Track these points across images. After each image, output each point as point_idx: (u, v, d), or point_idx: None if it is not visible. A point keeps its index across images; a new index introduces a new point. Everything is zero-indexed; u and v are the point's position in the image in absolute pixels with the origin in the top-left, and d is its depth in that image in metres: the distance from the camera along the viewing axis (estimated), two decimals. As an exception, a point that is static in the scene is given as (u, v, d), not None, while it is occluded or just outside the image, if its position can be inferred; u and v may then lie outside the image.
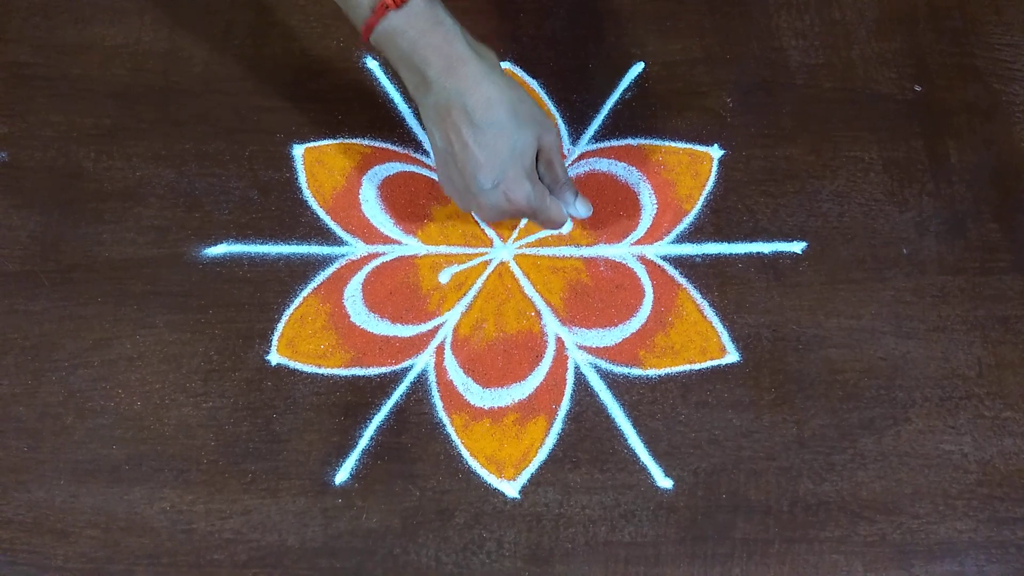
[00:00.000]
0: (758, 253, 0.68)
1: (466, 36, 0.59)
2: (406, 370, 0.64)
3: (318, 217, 0.69)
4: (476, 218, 0.67)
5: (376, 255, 0.68)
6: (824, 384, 0.64)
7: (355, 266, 0.67)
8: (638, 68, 0.74)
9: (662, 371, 0.64)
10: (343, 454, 0.62)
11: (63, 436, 0.62)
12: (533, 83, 0.74)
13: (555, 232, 0.67)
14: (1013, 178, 0.70)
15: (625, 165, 0.71)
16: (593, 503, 0.60)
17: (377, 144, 0.71)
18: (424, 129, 0.61)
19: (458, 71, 0.57)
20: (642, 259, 0.68)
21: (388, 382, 0.64)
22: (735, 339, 0.65)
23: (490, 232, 0.69)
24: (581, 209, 0.64)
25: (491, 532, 0.60)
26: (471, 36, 0.59)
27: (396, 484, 0.61)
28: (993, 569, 0.59)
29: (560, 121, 0.72)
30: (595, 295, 0.66)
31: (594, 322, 0.65)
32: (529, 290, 0.67)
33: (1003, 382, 0.64)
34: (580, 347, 0.65)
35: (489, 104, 0.57)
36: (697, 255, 0.68)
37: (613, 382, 0.64)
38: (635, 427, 0.62)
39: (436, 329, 0.66)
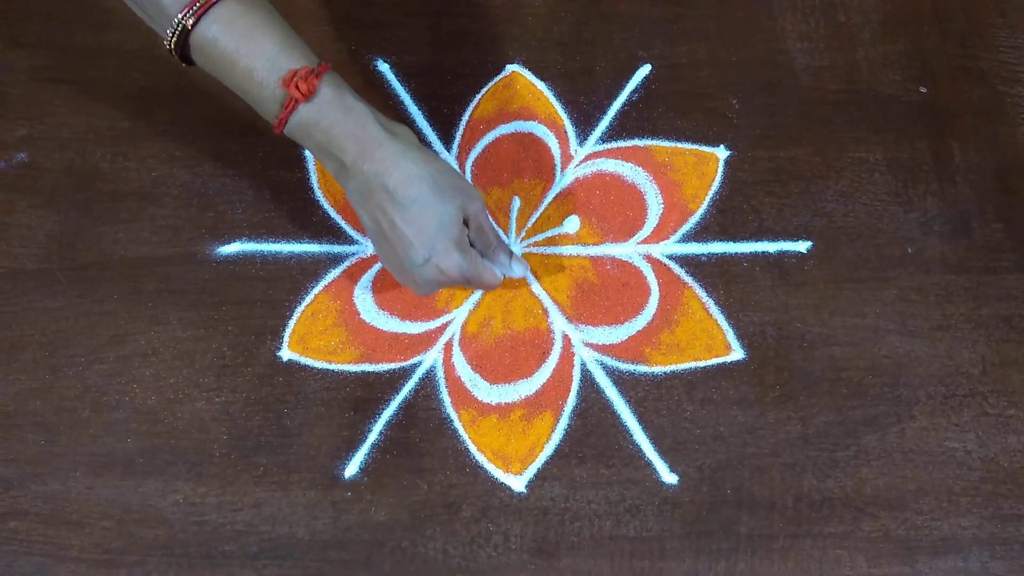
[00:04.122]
0: (763, 252, 0.68)
1: (378, 117, 0.58)
2: (415, 366, 0.65)
3: (329, 216, 0.70)
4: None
5: (386, 254, 0.69)
6: (828, 382, 0.64)
7: (365, 264, 0.69)
8: (645, 70, 0.75)
9: (668, 368, 0.65)
10: (352, 448, 0.63)
11: (79, 430, 0.64)
12: (541, 85, 0.75)
13: (563, 232, 0.69)
14: (1017, 179, 0.71)
15: (632, 165, 0.71)
16: (599, 498, 0.61)
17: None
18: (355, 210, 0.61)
19: (375, 154, 0.57)
20: (648, 258, 0.68)
21: (397, 378, 0.65)
22: (740, 337, 0.66)
23: (498, 229, 0.69)
24: (517, 270, 0.65)
25: (498, 526, 0.60)
26: (383, 115, 0.59)
27: (404, 478, 0.62)
28: (997, 566, 0.59)
29: (568, 123, 0.73)
30: (601, 293, 0.67)
31: (600, 320, 0.66)
32: (536, 288, 0.68)
33: (1007, 380, 0.64)
34: (586, 344, 0.66)
35: (409, 181, 0.57)
36: (703, 254, 0.68)
37: (619, 379, 0.64)
38: (640, 423, 0.63)
39: (444, 326, 0.67)
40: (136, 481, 0.62)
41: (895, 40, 0.76)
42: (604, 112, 0.74)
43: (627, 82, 0.75)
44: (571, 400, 0.64)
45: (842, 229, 0.69)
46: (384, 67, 0.76)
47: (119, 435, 0.63)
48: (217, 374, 0.65)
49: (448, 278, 0.60)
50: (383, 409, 0.64)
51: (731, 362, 0.65)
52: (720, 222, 0.69)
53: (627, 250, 0.69)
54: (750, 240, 0.69)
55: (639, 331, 0.66)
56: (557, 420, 0.63)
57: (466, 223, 0.61)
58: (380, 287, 0.68)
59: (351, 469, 0.62)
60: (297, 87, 0.56)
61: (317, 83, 0.56)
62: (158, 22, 0.58)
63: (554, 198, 0.71)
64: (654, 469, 0.62)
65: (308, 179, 0.72)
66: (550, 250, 0.69)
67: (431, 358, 0.65)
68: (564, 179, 0.71)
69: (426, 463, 0.62)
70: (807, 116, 0.73)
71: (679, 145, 0.72)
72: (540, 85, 0.75)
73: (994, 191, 0.70)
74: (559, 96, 0.75)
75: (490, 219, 0.63)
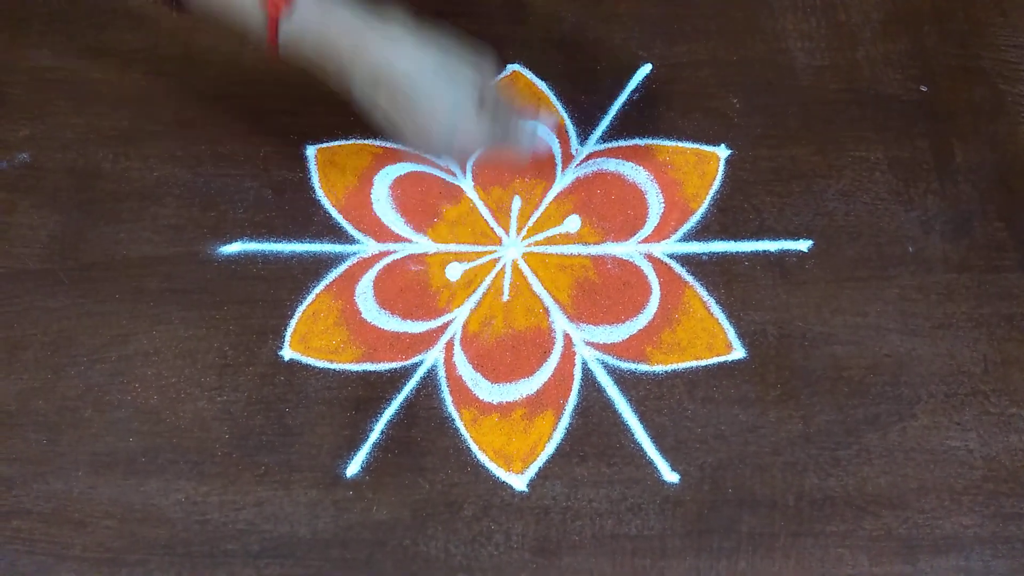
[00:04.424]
0: (764, 251, 0.68)
1: (364, 10, 0.57)
2: (416, 365, 0.65)
3: (331, 216, 0.70)
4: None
5: (387, 253, 0.69)
6: (830, 380, 0.64)
7: (367, 264, 0.69)
8: (645, 70, 0.75)
9: (669, 367, 0.65)
10: (354, 447, 0.63)
11: (81, 429, 0.64)
12: (542, 85, 0.75)
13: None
14: (1018, 177, 0.71)
15: (633, 165, 0.72)
16: (600, 496, 0.61)
17: (389, 144, 0.72)
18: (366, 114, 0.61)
19: (369, 48, 0.56)
20: (649, 257, 0.68)
21: (398, 377, 0.65)
22: (741, 336, 0.66)
23: (499, 230, 0.70)
24: (547, 121, 0.66)
25: (499, 524, 0.60)
26: (369, 6, 0.57)
27: (406, 477, 0.62)
28: (999, 564, 0.59)
29: (569, 122, 0.73)
30: (603, 292, 0.67)
31: (602, 319, 0.66)
32: (537, 287, 0.68)
33: (1009, 379, 0.64)
34: (588, 343, 0.66)
35: (416, 62, 0.56)
36: (704, 253, 0.68)
37: (620, 378, 0.64)
38: (642, 422, 0.63)
39: (446, 325, 0.67)
40: (138, 480, 0.62)
41: (896, 39, 0.76)
42: (605, 111, 0.74)
43: (628, 82, 0.75)
44: (572, 399, 0.64)
45: (843, 228, 0.69)
46: (385, 67, 0.76)
47: (121, 434, 0.63)
48: (219, 373, 0.65)
49: (475, 147, 0.60)
50: (384, 408, 0.64)
51: (732, 361, 0.65)
52: (721, 221, 0.69)
53: (628, 249, 0.69)
54: (751, 239, 0.69)
55: (640, 330, 0.66)
56: (558, 419, 0.63)
57: (483, 95, 0.60)
58: (381, 287, 0.68)
59: (353, 468, 0.62)
60: (274, 5, 0.55)
61: None
62: None
63: (555, 197, 0.71)
64: (655, 468, 0.62)
65: (309, 179, 0.72)
66: (551, 249, 0.69)
67: (432, 357, 0.65)
68: (565, 178, 0.71)
69: (428, 462, 0.62)
70: (808, 115, 0.73)
71: (680, 144, 0.72)
72: (541, 85, 0.75)
73: (995, 190, 0.70)
74: (560, 96, 0.75)
75: (499, 84, 0.63)
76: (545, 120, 0.65)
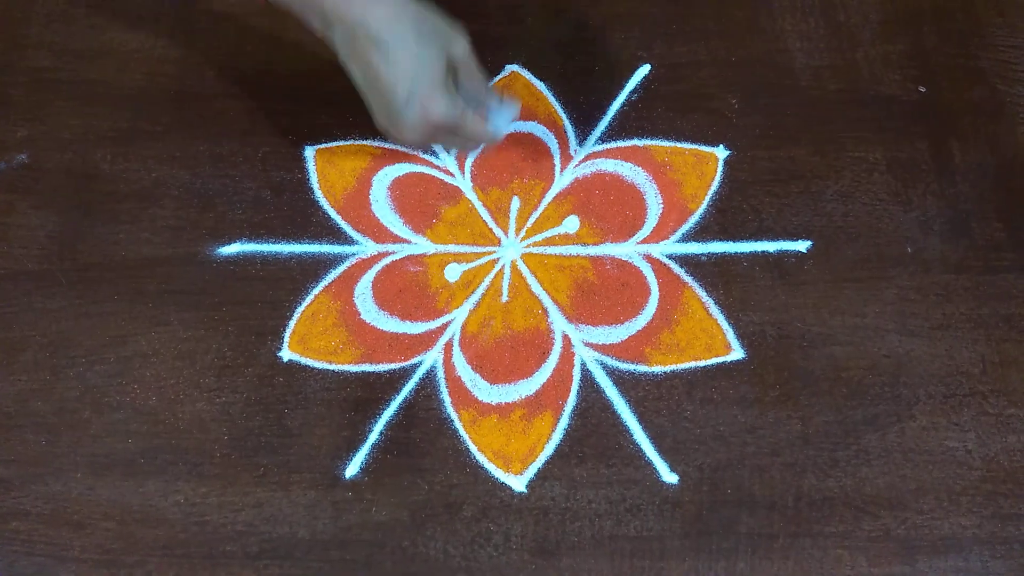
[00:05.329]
0: (763, 252, 0.68)
1: None
2: (415, 366, 0.65)
3: (329, 217, 0.70)
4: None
5: (386, 254, 0.69)
6: (828, 381, 0.64)
7: (365, 264, 0.69)
8: (644, 70, 0.75)
9: (668, 368, 0.65)
10: (353, 448, 0.63)
11: (80, 430, 0.64)
12: (540, 85, 0.75)
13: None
14: (1017, 178, 0.71)
15: (631, 165, 0.72)
16: (599, 497, 0.61)
17: (387, 145, 0.72)
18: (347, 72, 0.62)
19: (351, 3, 0.59)
20: (648, 258, 0.68)
21: (397, 378, 0.65)
22: (740, 336, 0.66)
23: (498, 231, 0.70)
24: (508, 110, 0.65)
25: (498, 525, 0.60)
26: None
27: (405, 478, 0.62)
28: (997, 565, 0.59)
29: (567, 123, 0.73)
30: (601, 293, 0.67)
31: (600, 319, 0.66)
32: (536, 288, 0.68)
33: (1007, 379, 0.64)
34: (586, 344, 0.66)
35: (389, 23, 0.58)
36: (703, 254, 0.68)
37: (619, 379, 0.64)
38: (641, 423, 0.63)
39: (445, 326, 0.67)
40: (137, 481, 0.62)
41: (895, 40, 0.76)
42: (603, 112, 0.74)
43: (626, 82, 0.75)
44: (571, 400, 0.64)
45: (842, 228, 0.69)
46: (384, 67, 0.76)
47: (120, 436, 0.63)
48: (218, 374, 0.65)
49: (433, 121, 0.60)
50: (383, 409, 0.64)
51: (731, 362, 0.65)
52: (720, 222, 0.69)
53: (627, 250, 0.69)
54: (750, 240, 0.69)
55: (639, 331, 0.66)
56: (557, 420, 0.63)
57: (454, 72, 0.61)
58: (380, 287, 0.68)
59: (352, 469, 0.62)
60: None
61: None
62: None
63: (553, 198, 0.71)
64: (654, 469, 0.62)
65: (308, 179, 0.72)
66: (550, 250, 0.69)
67: (431, 358, 0.65)
68: (563, 179, 0.71)
69: (427, 463, 0.62)
70: (807, 116, 0.73)
71: (678, 145, 0.72)
72: (539, 85, 0.75)
73: (994, 190, 0.70)
74: (558, 96, 0.75)
75: (476, 65, 0.63)
76: (509, 106, 0.66)
